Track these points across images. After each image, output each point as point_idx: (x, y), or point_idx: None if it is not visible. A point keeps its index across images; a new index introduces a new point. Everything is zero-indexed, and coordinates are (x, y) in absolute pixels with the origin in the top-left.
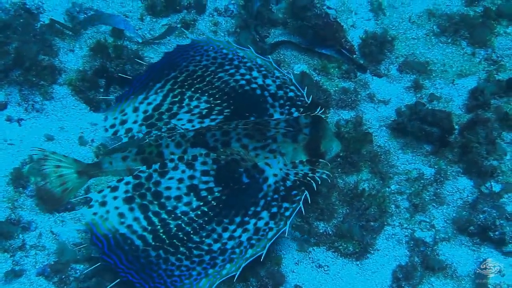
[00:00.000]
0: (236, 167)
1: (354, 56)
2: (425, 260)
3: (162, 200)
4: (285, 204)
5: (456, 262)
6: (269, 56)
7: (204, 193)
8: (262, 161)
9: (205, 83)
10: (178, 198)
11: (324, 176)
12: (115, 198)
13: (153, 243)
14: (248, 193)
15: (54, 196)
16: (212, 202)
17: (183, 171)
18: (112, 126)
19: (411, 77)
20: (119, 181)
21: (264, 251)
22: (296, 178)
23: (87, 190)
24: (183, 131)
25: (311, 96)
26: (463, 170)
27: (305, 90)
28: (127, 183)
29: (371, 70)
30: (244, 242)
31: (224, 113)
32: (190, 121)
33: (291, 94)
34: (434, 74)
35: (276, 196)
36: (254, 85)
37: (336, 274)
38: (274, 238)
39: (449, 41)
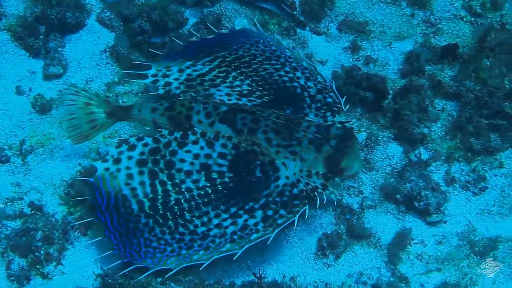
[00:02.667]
0: (254, 158)
1: (295, 12)
2: (351, 229)
3: (173, 171)
4: (282, 211)
5: (380, 230)
6: (314, 60)
7: (214, 175)
8: (280, 159)
9: (250, 69)
10: (188, 173)
11: (332, 196)
12: (129, 158)
13: (147, 210)
14: (255, 187)
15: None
16: (219, 186)
17: (202, 148)
18: (154, 75)
19: (349, 37)
20: (139, 139)
21: (240, 251)
22: (304, 188)
23: None
24: (218, 101)
25: (348, 105)
26: (394, 136)
27: (344, 98)
28: (145, 145)
29: (311, 28)
30: (227, 235)
31: (263, 99)
32: (228, 94)
33: (329, 99)
34: (372, 35)
35: (278, 199)
36: (295, 84)
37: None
38: (255, 242)
39: (389, 1)
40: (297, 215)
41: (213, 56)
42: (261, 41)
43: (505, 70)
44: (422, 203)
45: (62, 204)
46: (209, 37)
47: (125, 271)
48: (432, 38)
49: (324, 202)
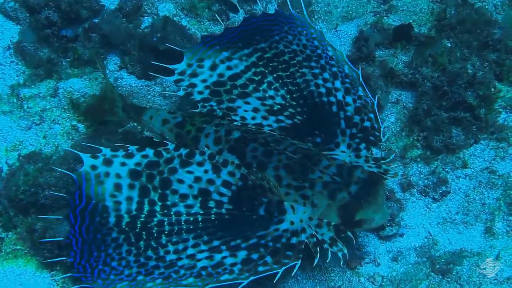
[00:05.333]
0: (261, 195)
1: None
2: None
3: (167, 192)
4: (268, 259)
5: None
6: (360, 66)
7: (211, 204)
8: (289, 201)
9: (288, 73)
10: (183, 197)
11: (339, 254)
12: (123, 164)
13: (123, 226)
14: (252, 225)
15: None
16: (212, 215)
17: (206, 171)
18: (182, 73)
19: None
20: (139, 149)
21: None
22: (306, 240)
23: None
24: (233, 124)
25: (387, 135)
26: None
27: (383, 125)
28: (144, 156)
29: (246, 11)
30: (196, 268)
31: (294, 120)
32: (255, 110)
33: (367, 123)
34: (316, 16)
35: (270, 244)
36: (332, 99)
37: None
38: (222, 284)
39: None
40: (283, 269)
41: (252, 48)
42: (304, 32)
43: (467, 53)
44: None
45: None
46: (253, 18)
47: None
48: (385, 17)
49: (328, 261)
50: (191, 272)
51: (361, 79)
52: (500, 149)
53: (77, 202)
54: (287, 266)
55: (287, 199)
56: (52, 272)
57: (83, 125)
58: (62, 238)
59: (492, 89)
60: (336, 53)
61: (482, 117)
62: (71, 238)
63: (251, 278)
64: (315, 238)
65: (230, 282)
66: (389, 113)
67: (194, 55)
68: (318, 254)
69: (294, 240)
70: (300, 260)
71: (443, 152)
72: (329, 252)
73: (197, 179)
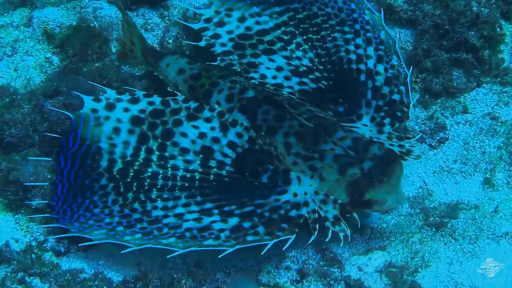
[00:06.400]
0: (267, 161)
1: None
2: None
3: (167, 142)
4: (260, 229)
5: None
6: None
7: (212, 163)
8: (296, 172)
9: (318, 36)
10: (184, 151)
11: (341, 235)
12: (126, 110)
13: (114, 172)
14: (252, 192)
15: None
16: (211, 176)
17: (213, 129)
18: (207, 20)
19: None
20: (146, 95)
21: (180, 252)
22: (307, 215)
23: None
24: (250, 82)
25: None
26: None
27: (414, 100)
28: (150, 103)
29: None
30: (180, 228)
31: (319, 84)
32: (279, 69)
33: (396, 96)
34: None
35: (267, 214)
36: (362, 66)
37: None
38: (204, 249)
39: None
40: (273, 241)
41: (285, 7)
42: None
43: None
44: None
45: None
46: None
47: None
48: None
49: (327, 240)
50: (174, 232)
51: (397, 47)
52: (504, 94)
53: (70, 145)
54: (279, 239)
55: (294, 169)
56: (16, 216)
57: (57, 58)
58: (47, 184)
59: (498, 29)
60: (374, 17)
61: (485, 59)
62: (57, 183)
63: (237, 247)
64: (316, 214)
65: (213, 248)
66: None
67: (223, 4)
68: (316, 232)
69: (293, 212)
70: (295, 235)
71: (442, 95)
72: (330, 231)
73: (202, 135)
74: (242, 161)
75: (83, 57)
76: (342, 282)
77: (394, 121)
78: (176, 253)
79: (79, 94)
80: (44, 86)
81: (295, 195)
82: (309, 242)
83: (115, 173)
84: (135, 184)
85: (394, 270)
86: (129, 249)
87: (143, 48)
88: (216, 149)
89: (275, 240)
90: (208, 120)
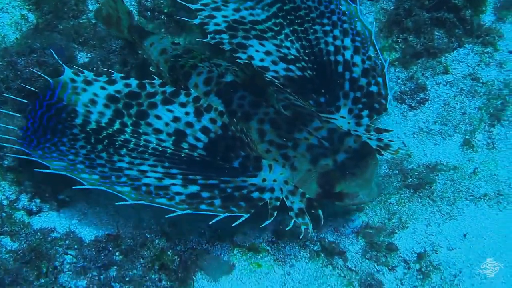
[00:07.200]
0: (239, 147)
1: None
2: None
3: (141, 122)
4: (217, 201)
5: None
6: (374, 23)
7: (184, 145)
8: (269, 160)
9: (302, 28)
10: (157, 131)
11: (302, 227)
12: (102, 88)
13: (87, 129)
14: (221, 172)
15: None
16: (182, 153)
17: (187, 113)
18: (205, 4)
19: None
20: (123, 77)
21: (129, 202)
22: (268, 200)
23: None
24: (228, 66)
25: (392, 104)
26: None
27: (392, 91)
28: (127, 85)
29: None
30: (139, 181)
31: (305, 73)
32: (267, 53)
33: (373, 88)
34: None
35: (229, 190)
36: (339, 58)
37: None
38: (154, 206)
39: None
40: (225, 215)
41: None
42: None
43: None
44: None
45: None
46: None
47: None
48: None
49: (286, 229)
50: (132, 183)
51: (373, 38)
52: (486, 54)
53: (47, 97)
54: (232, 214)
55: (267, 156)
56: None
57: (33, 15)
58: (20, 115)
59: None
60: (350, 8)
61: (467, 19)
62: (29, 118)
63: (188, 211)
64: (279, 203)
65: (163, 207)
66: (367, 12)
67: None
68: (272, 218)
69: (255, 194)
70: (249, 215)
71: (423, 56)
72: (292, 221)
73: (176, 119)
74: (215, 146)
75: (59, 14)
76: (318, 243)
77: (372, 113)
78: (123, 203)
79: (62, 64)
80: (18, 44)
81: (264, 180)
82: (263, 225)
83: (88, 129)
84: (106, 141)
85: (371, 231)
86: (79, 187)
87: (129, 25)
88: (189, 133)
89: (227, 214)
90: (183, 105)
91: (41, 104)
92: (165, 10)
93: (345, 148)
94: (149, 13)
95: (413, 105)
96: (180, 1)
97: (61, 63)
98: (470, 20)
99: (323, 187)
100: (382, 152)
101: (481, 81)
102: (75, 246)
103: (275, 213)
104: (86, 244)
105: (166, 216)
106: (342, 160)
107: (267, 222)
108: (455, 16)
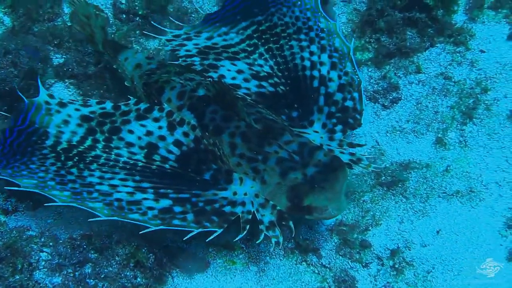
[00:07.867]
0: (211, 161)
1: None
2: None
3: (113, 137)
4: (190, 216)
5: None
6: (353, 39)
7: (156, 157)
8: (239, 173)
9: (277, 45)
10: (129, 145)
11: (273, 241)
12: (77, 110)
13: (58, 149)
14: (192, 184)
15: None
16: (153, 166)
17: (160, 128)
18: (176, 36)
19: None
20: (98, 103)
21: (102, 218)
22: (241, 214)
23: None
24: (201, 81)
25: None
26: None
27: (366, 107)
28: (102, 108)
29: None
30: (111, 196)
31: (277, 89)
32: (239, 72)
33: (349, 103)
34: None
35: (201, 204)
36: (315, 73)
37: None
38: (127, 221)
39: None
40: (198, 230)
41: (250, 21)
42: (298, 3)
43: None
44: None
45: None
46: None
47: None
48: None
49: (257, 242)
50: (104, 198)
51: (352, 54)
52: (457, 54)
53: (18, 122)
54: (205, 230)
55: (238, 170)
56: None
57: (9, 18)
58: None
59: None
60: (329, 25)
61: (439, 19)
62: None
63: (161, 227)
64: (250, 216)
65: (136, 223)
66: (340, 12)
67: (193, 28)
68: (245, 232)
69: (227, 208)
70: (222, 230)
71: (395, 55)
72: (263, 234)
73: (149, 133)
74: (187, 158)
75: (33, 16)
76: (292, 240)
77: (346, 128)
78: (97, 219)
79: (40, 85)
80: None
81: (235, 193)
82: (236, 239)
83: (58, 149)
84: (76, 158)
85: (344, 228)
86: (51, 204)
87: (103, 39)
88: (161, 146)
89: (200, 230)
90: (156, 119)
91: (11, 131)
92: (140, 12)
93: (315, 162)
94: (124, 15)
95: (386, 104)
96: (149, 34)
97: (39, 86)
98: (441, 20)
99: (292, 201)
100: (354, 166)
101: (453, 80)
102: (50, 244)
103: (248, 226)
104: (61, 241)
105: (140, 233)
106: (311, 173)
107: (240, 236)
108: (427, 16)
